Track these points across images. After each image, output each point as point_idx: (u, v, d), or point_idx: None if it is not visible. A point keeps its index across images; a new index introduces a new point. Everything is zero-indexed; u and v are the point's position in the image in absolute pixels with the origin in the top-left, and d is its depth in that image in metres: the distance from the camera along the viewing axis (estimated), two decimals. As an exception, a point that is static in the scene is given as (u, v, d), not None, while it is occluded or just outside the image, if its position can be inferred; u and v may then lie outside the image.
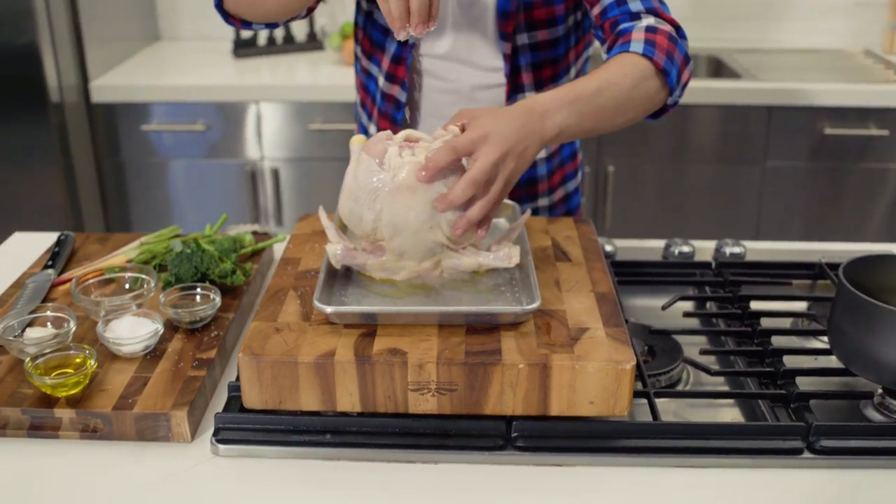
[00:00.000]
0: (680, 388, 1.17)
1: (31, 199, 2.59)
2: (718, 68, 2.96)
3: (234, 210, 2.76)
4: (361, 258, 1.12)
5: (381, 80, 1.45)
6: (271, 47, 2.93)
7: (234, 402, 1.06)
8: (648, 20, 1.27)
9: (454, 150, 1.03)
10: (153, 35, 3.14)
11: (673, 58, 1.22)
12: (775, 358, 1.17)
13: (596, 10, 1.33)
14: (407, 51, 1.40)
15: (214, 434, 1.03)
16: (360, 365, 1.00)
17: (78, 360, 1.07)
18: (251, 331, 1.06)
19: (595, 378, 0.99)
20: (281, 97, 2.63)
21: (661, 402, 1.09)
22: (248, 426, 1.03)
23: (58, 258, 1.34)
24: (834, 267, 1.34)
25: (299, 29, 2.96)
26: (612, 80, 1.17)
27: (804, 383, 1.14)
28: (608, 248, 1.47)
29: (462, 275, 1.15)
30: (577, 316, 1.09)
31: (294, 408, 1.02)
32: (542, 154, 1.52)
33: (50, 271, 1.30)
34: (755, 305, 1.31)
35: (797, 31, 3.11)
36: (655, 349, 1.22)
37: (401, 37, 1.13)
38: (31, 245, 1.52)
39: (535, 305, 1.05)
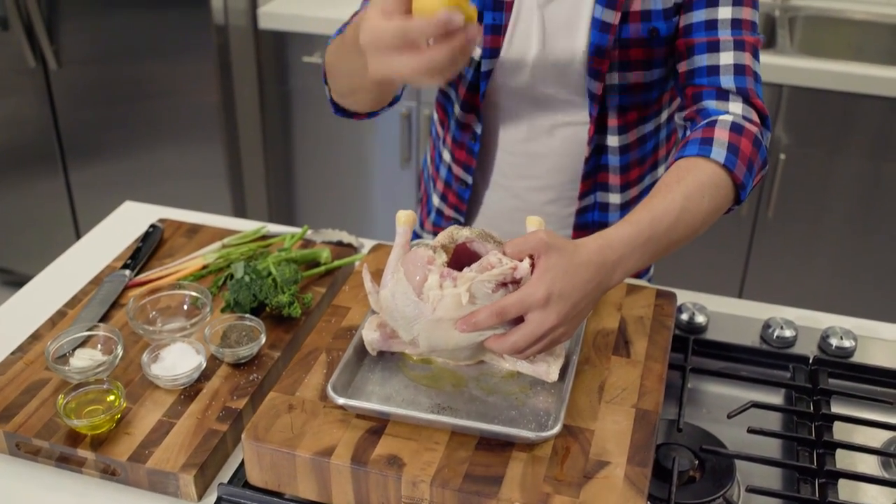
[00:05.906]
0: (720, 520, 1.08)
1: (188, 119, 2.67)
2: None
3: (387, 150, 2.75)
4: (399, 346, 1.10)
5: (457, 109, 1.35)
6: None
7: (244, 469, 1.07)
8: (736, 106, 1.12)
9: (502, 314, 0.95)
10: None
11: (752, 168, 1.07)
12: (831, 513, 1.04)
13: (683, 68, 1.18)
14: (482, 80, 1.28)
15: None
16: (354, 470, 0.97)
17: (110, 399, 1.11)
18: (265, 404, 1.05)
19: (594, 532, 0.93)
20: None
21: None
22: (247, 503, 1.04)
23: (138, 256, 1.38)
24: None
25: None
26: (691, 205, 1.03)
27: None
28: (700, 319, 1.34)
29: (503, 362, 1.11)
30: (603, 442, 1.01)
31: (292, 493, 1.02)
32: (617, 200, 1.39)
33: (126, 272, 1.35)
34: (838, 429, 1.17)
35: None
36: (706, 465, 1.12)
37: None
38: (136, 219, 1.57)
39: (552, 433, 0.99)
